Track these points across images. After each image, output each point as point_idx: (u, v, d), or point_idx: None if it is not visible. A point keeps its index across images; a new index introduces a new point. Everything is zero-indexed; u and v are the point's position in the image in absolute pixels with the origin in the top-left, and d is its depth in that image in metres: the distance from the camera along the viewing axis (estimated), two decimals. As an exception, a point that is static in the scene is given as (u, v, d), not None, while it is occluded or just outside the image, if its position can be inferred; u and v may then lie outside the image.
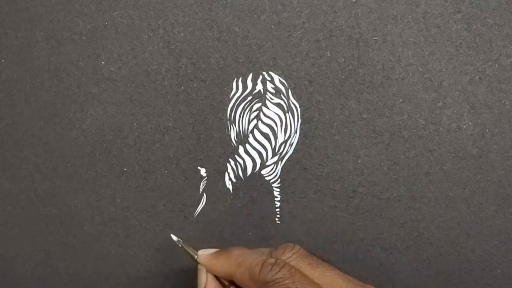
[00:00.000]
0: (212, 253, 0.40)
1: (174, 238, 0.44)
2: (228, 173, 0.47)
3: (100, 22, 0.47)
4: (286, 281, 0.36)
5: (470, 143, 0.45)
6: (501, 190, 0.45)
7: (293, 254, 0.39)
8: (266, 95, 0.46)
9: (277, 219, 0.47)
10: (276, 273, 0.36)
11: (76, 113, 0.47)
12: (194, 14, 0.46)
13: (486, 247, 0.46)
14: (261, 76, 0.46)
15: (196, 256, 0.41)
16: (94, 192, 0.47)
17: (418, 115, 0.45)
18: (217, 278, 0.40)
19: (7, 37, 0.48)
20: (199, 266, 0.41)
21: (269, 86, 0.46)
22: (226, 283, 0.40)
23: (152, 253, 0.47)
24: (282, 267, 0.36)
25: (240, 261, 0.38)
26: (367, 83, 0.46)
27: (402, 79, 0.45)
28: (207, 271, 0.40)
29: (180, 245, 0.43)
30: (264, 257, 0.38)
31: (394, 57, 0.45)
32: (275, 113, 0.46)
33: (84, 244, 0.48)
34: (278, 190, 0.47)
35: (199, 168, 0.47)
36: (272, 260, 0.37)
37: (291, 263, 0.38)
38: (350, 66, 0.46)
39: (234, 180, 0.47)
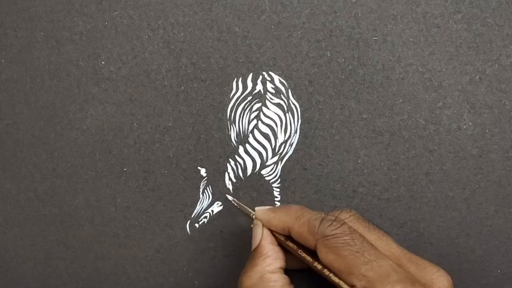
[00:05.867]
0: (270, 208, 0.41)
1: (230, 197, 0.46)
2: (228, 173, 0.47)
3: (100, 22, 0.47)
4: (345, 237, 0.37)
5: (470, 143, 0.45)
6: (501, 190, 0.45)
7: (350, 216, 0.40)
8: (266, 95, 0.46)
9: (277, 219, 0.47)
10: (336, 228, 0.37)
11: (76, 113, 0.47)
12: (194, 14, 0.46)
13: (486, 247, 0.46)
14: (261, 76, 0.46)
15: (252, 213, 0.42)
16: (94, 192, 0.47)
17: (418, 115, 0.45)
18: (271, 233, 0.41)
19: (7, 37, 0.48)
20: (255, 221, 0.41)
21: (269, 86, 0.46)
22: (282, 239, 0.40)
23: (152, 253, 0.47)
24: (342, 224, 0.38)
25: (299, 214, 0.39)
26: (367, 83, 0.46)
27: (402, 79, 0.45)
28: (263, 226, 0.41)
29: (235, 204, 0.45)
30: (323, 214, 0.39)
31: (394, 57, 0.45)
32: (275, 113, 0.46)
33: (84, 244, 0.48)
34: (278, 190, 0.47)
35: (199, 168, 0.47)
36: (332, 217, 0.38)
37: (348, 224, 0.39)
38: (350, 66, 0.46)
39: (234, 180, 0.47)
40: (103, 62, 0.47)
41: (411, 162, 0.46)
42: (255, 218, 0.42)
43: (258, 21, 0.46)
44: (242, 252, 0.46)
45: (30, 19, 0.47)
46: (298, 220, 0.39)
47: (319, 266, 0.38)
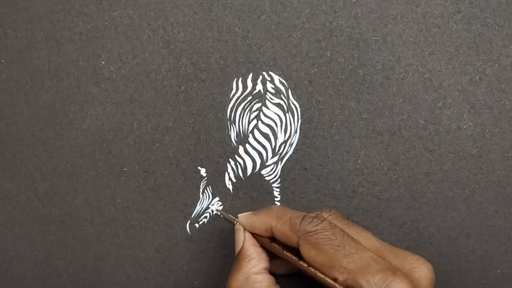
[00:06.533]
0: (252, 212, 0.42)
1: (214, 208, 0.46)
2: (228, 173, 0.47)
3: (100, 22, 0.47)
4: (326, 232, 0.37)
5: (470, 143, 0.45)
6: (501, 190, 0.45)
7: (329, 215, 0.40)
8: (266, 95, 0.46)
9: (277, 219, 0.47)
10: (317, 224, 0.38)
11: (76, 113, 0.47)
12: (194, 14, 0.46)
13: (486, 247, 0.46)
14: (261, 76, 0.46)
15: (236, 221, 0.43)
16: (94, 192, 0.47)
17: (418, 115, 0.45)
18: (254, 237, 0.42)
19: (7, 37, 0.48)
20: (237, 227, 0.42)
21: (269, 86, 0.46)
22: (267, 241, 0.41)
23: (152, 253, 0.47)
24: (323, 220, 0.38)
25: (281, 214, 0.40)
26: (367, 83, 0.46)
27: (402, 79, 0.45)
28: (246, 230, 0.42)
29: (219, 213, 0.46)
30: (304, 213, 0.39)
31: (394, 57, 0.45)
32: (275, 113, 0.46)
33: (84, 244, 0.48)
34: (278, 190, 0.47)
35: (199, 168, 0.47)
36: (313, 214, 0.39)
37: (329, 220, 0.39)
38: (350, 66, 0.46)
39: (234, 180, 0.47)
40: (103, 62, 0.47)
41: (411, 162, 0.46)
42: (238, 223, 0.42)
43: (258, 21, 0.46)
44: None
45: (30, 19, 0.47)
46: (279, 219, 0.40)
47: (305, 265, 0.38)
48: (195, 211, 0.47)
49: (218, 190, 0.47)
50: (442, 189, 0.46)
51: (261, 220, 0.41)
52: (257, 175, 0.47)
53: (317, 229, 0.38)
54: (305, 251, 0.38)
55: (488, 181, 0.45)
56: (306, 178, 0.46)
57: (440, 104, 0.45)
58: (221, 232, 0.47)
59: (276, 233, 0.40)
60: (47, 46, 0.47)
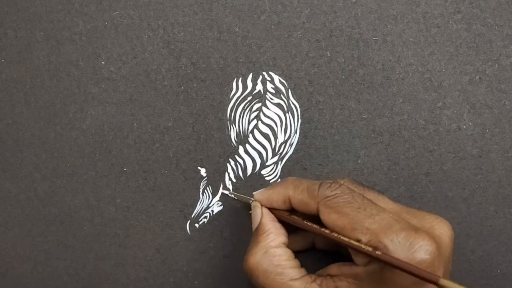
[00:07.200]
0: (267, 187, 0.42)
1: (226, 192, 0.46)
2: (228, 173, 0.47)
3: (100, 22, 0.47)
4: (345, 196, 0.37)
5: (470, 143, 0.45)
6: (501, 190, 0.45)
7: (344, 181, 0.40)
8: (266, 95, 0.46)
9: (277, 219, 0.47)
10: (335, 189, 0.38)
11: (76, 113, 0.47)
12: (194, 14, 0.46)
13: (486, 247, 0.46)
14: (261, 76, 0.46)
15: (251, 200, 0.42)
16: (94, 192, 0.47)
17: (418, 115, 0.45)
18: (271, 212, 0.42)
19: (7, 37, 0.48)
20: (253, 204, 0.42)
21: (269, 86, 0.46)
22: (286, 214, 0.41)
23: (152, 253, 0.47)
24: (340, 185, 0.38)
25: (298, 183, 0.40)
26: (367, 83, 0.46)
27: (402, 79, 0.45)
28: (264, 206, 0.41)
29: (233, 196, 0.46)
30: (320, 181, 0.39)
31: (394, 57, 0.45)
32: (275, 113, 0.46)
33: (84, 244, 0.48)
34: (278, 190, 0.46)
35: (199, 168, 0.47)
36: (330, 181, 0.39)
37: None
38: (350, 66, 0.46)
39: (234, 180, 0.47)
40: (103, 62, 0.47)
41: (411, 162, 0.46)
42: (254, 200, 0.42)
43: (258, 21, 0.46)
44: (242, 253, 0.46)
45: (30, 19, 0.47)
46: (297, 188, 0.40)
47: (327, 231, 0.38)
48: (195, 211, 0.47)
49: (218, 190, 0.47)
50: (442, 189, 0.46)
51: (278, 192, 0.41)
52: (257, 175, 0.47)
53: (336, 193, 0.38)
54: (325, 215, 0.37)
55: (488, 181, 0.45)
56: (306, 178, 0.46)
57: (440, 104, 0.45)
58: (221, 232, 0.47)
59: (294, 202, 0.40)
60: (47, 46, 0.47)
